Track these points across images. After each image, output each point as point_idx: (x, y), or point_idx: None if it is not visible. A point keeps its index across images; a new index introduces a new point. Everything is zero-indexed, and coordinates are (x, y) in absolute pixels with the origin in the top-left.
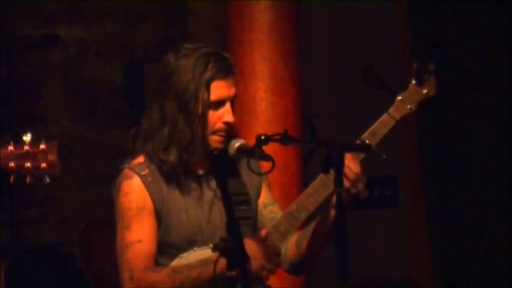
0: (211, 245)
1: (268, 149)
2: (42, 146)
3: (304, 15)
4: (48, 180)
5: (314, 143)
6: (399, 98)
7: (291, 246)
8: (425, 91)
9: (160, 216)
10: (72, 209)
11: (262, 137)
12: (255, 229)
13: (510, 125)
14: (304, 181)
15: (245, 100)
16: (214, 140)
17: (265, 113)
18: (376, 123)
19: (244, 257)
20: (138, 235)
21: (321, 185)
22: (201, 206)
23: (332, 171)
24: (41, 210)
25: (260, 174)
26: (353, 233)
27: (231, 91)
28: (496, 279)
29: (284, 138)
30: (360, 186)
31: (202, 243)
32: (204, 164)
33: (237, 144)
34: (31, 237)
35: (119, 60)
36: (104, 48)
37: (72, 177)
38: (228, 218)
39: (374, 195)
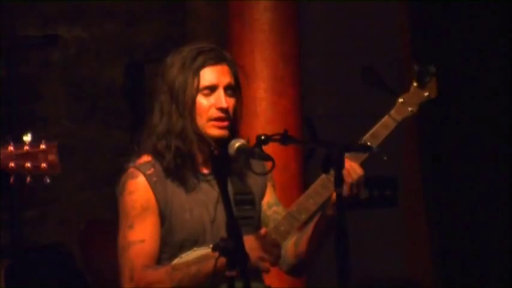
0: (211, 245)
1: (268, 149)
2: (43, 146)
3: (304, 15)
4: (48, 180)
5: (314, 143)
6: (400, 100)
7: (291, 246)
8: (426, 93)
9: (164, 216)
10: (72, 209)
11: (262, 137)
12: (257, 229)
13: (510, 125)
14: (304, 181)
15: (245, 100)
16: (211, 127)
17: (265, 113)
18: (377, 125)
19: (244, 257)
20: (141, 235)
21: (322, 187)
22: (206, 206)
23: (332, 172)
24: (41, 210)
25: (259, 174)
26: (353, 233)
27: (224, 78)
28: (496, 279)
29: (284, 138)
30: (360, 186)
31: (205, 243)
32: (209, 164)
33: (237, 144)
34: (31, 237)
35: (119, 60)
36: (104, 48)
37: (72, 177)
38: (228, 218)
39: (374, 195)
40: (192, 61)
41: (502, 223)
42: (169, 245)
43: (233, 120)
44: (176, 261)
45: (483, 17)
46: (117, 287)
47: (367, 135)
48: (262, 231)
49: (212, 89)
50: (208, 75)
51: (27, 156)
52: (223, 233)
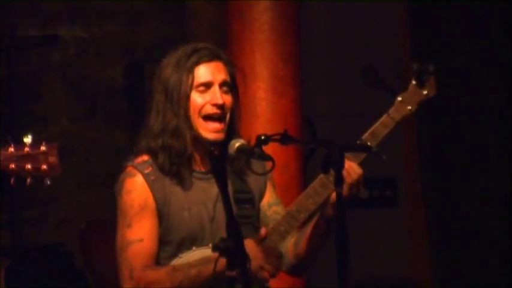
0: (211, 245)
1: (268, 149)
2: (43, 148)
3: (304, 15)
4: (48, 182)
5: (314, 143)
6: (399, 99)
7: (290, 246)
8: (425, 92)
9: (162, 215)
10: (72, 209)
11: (262, 137)
12: (256, 228)
13: (510, 125)
14: (304, 181)
15: (245, 100)
16: (206, 131)
17: (265, 113)
18: (376, 124)
19: (244, 257)
20: (140, 234)
21: (321, 186)
22: (205, 204)
23: (332, 172)
24: (41, 210)
25: (259, 174)
26: (353, 233)
27: (219, 75)
28: (496, 279)
29: (284, 138)
30: (360, 186)
31: (203, 242)
32: (207, 162)
33: (237, 144)
34: (31, 237)
35: (119, 60)
36: (104, 48)
37: (72, 177)
38: (228, 218)
39: (374, 195)
40: (187, 59)
41: (502, 223)
42: (168, 243)
43: (230, 119)
44: (176, 261)
45: (483, 17)
46: (117, 287)
47: (366, 134)
48: (262, 231)
49: (207, 85)
50: (203, 72)
51: (27, 157)
52: (222, 231)
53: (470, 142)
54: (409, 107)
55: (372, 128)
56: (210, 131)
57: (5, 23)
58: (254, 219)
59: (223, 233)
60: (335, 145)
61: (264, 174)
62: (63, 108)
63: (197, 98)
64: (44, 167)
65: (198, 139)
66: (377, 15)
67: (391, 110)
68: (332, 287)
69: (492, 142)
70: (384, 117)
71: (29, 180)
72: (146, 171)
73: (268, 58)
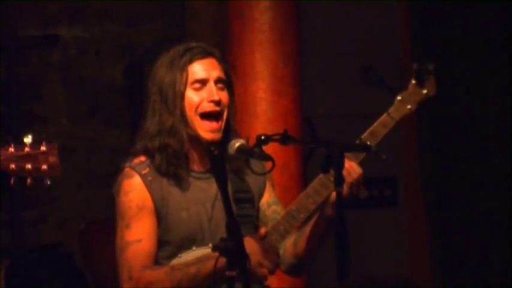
0: (210, 245)
1: (268, 149)
2: (43, 148)
3: (304, 15)
4: (48, 182)
5: (314, 143)
6: (399, 98)
7: (289, 246)
8: (425, 91)
9: (160, 215)
10: (72, 209)
11: (262, 137)
12: (256, 228)
13: (510, 125)
14: (304, 181)
15: (245, 100)
16: (202, 129)
17: (265, 113)
18: (375, 124)
19: (244, 256)
20: (138, 234)
21: (321, 186)
22: (204, 204)
23: (332, 171)
24: (41, 210)
25: (259, 174)
26: (353, 233)
27: (214, 72)
28: (496, 279)
29: (284, 138)
30: (360, 186)
31: (203, 242)
32: (207, 161)
33: (237, 144)
34: (31, 237)
35: (119, 60)
36: (104, 48)
37: (72, 177)
38: (228, 218)
39: (374, 195)
40: (180, 58)
41: (502, 223)
42: (167, 244)
43: (227, 117)
44: (175, 261)
45: (483, 17)
46: (117, 287)
47: (366, 134)
48: (262, 230)
49: (202, 82)
50: (197, 69)
51: (27, 157)
52: (221, 230)
53: (471, 142)
54: (409, 106)
55: (372, 128)
56: (207, 130)
57: (5, 23)
58: (253, 219)
59: (222, 233)
60: (335, 145)
61: (264, 174)
62: (63, 108)
63: (193, 96)
64: (44, 167)
65: (195, 138)
66: (377, 15)
67: (391, 110)
68: (332, 286)
69: (492, 142)
70: (384, 117)
71: (29, 180)
72: (144, 172)
73: (268, 58)
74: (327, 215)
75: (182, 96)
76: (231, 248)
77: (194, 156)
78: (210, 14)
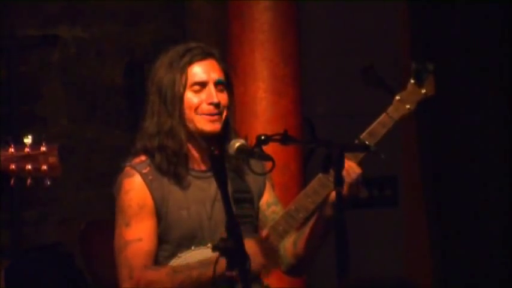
0: (209, 245)
1: (268, 149)
2: (43, 148)
3: (304, 15)
4: (48, 182)
5: (314, 143)
6: (398, 98)
7: (289, 246)
8: (424, 91)
9: (160, 214)
10: (72, 209)
11: (262, 137)
12: (255, 228)
13: (510, 124)
14: (304, 181)
15: (245, 100)
16: (202, 122)
17: (265, 113)
18: (374, 124)
19: (244, 257)
20: (138, 233)
21: (320, 186)
22: (203, 203)
23: (331, 171)
24: (41, 210)
25: (259, 174)
26: (353, 233)
27: (213, 74)
28: (496, 279)
29: (284, 138)
30: (359, 186)
31: (202, 241)
32: (207, 160)
33: (237, 144)
34: (31, 237)
35: (119, 60)
36: (104, 48)
37: (72, 177)
38: (228, 218)
39: (374, 195)
40: (179, 59)
41: (502, 223)
42: (167, 243)
43: (226, 116)
44: (175, 260)
45: (483, 17)
46: (117, 287)
47: (365, 134)
48: (264, 233)
49: (202, 85)
50: (197, 71)
51: (27, 158)
52: (220, 229)
53: (471, 142)
54: (408, 106)
55: (371, 128)
56: (207, 121)
57: (5, 23)
58: (253, 219)
59: (221, 232)
60: (335, 145)
61: (264, 174)
62: (63, 108)
63: (192, 98)
64: (44, 167)
65: (195, 137)
66: (377, 15)
67: (390, 109)
68: (332, 287)
69: (492, 142)
70: (383, 117)
71: (29, 180)
72: (144, 171)
73: (268, 58)
74: (326, 215)
75: (181, 98)
76: (231, 248)
77: (194, 155)
78: (210, 14)
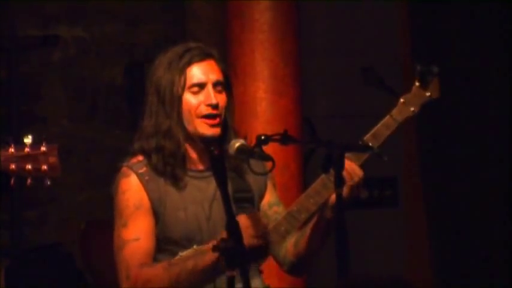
0: (210, 244)
1: (268, 149)
2: (43, 148)
3: (304, 15)
4: (48, 182)
5: (314, 143)
6: (402, 100)
7: (290, 246)
8: (428, 94)
9: (157, 214)
10: (72, 209)
11: (262, 137)
12: None
13: (510, 125)
14: (305, 181)
15: (245, 100)
16: (202, 126)
17: (265, 113)
18: (378, 126)
19: (245, 257)
20: (136, 233)
21: (322, 186)
22: (201, 204)
23: (333, 171)
24: (41, 210)
25: (259, 173)
26: (353, 233)
27: (212, 75)
28: (496, 279)
29: (284, 138)
30: (360, 188)
31: (201, 241)
32: (204, 160)
33: (237, 144)
34: (31, 237)
35: (119, 60)
36: (104, 48)
37: (72, 177)
38: (228, 218)
39: (374, 195)
40: (178, 60)
41: (502, 223)
42: (165, 243)
43: (225, 117)
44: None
45: (483, 17)
46: (117, 287)
47: (368, 135)
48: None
49: (201, 86)
50: (195, 72)
51: (27, 158)
52: (219, 230)
53: (471, 142)
54: (412, 109)
55: (374, 129)
56: (207, 125)
57: (5, 23)
58: None
59: (220, 232)
60: (335, 145)
61: (264, 174)
62: (63, 108)
63: (191, 99)
64: (44, 167)
65: (193, 138)
66: (377, 15)
67: (394, 111)
68: (332, 287)
69: (492, 142)
70: (386, 119)
71: (29, 180)
72: (140, 171)
73: (268, 58)
74: (326, 217)
75: (180, 99)
76: (231, 248)
77: (192, 155)
78: (210, 14)
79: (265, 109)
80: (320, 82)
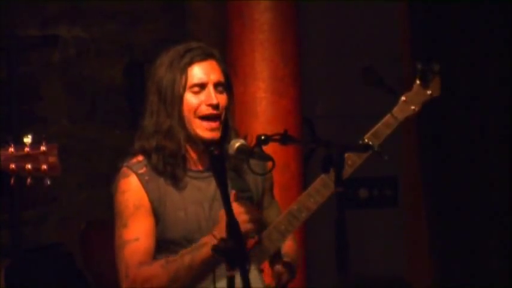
0: (205, 238)
1: (268, 149)
2: (43, 148)
3: (304, 15)
4: (48, 182)
5: (314, 143)
6: (403, 98)
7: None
8: (429, 92)
9: (157, 215)
10: (72, 209)
11: (262, 137)
12: None
13: (510, 125)
14: (304, 181)
15: (245, 100)
16: (202, 129)
17: (265, 113)
18: (379, 124)
19: (245, 257)
20: (135, 233)
21: (322, 186)
22: (201, 204)
23: (333, 171)
24: (41, 210)
25: (259, 174)
26: (353, 233)
27: (213, 75)
28: (496, 279)
29: (284, 138)
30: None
31: None
32: (204, 160)
33: (237, 144)
34: (31, 237)
35: (119, 60)
36: (104, 48)
37: (72, 177)
38: (228, 218)
39: (374, 195)
40: (180, 59)
41: (502, 222)
42: (165, 243)
43: (225, 118)
44: None
45: (483, 17)
46: (117, 287)
47: (369, 134)
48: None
49: (201, 86)
50: (197, 72)
51: (27, 157)
52: None
53: (471, 142)
54: (413, 107)
55: (375, 128)
56: (207, 129)
57: (5, 23)
58: None
59: (218, 221)
60: (336, 145)
61: (264, 174)
62: (63, 108)
63: (191, 99)
64: (44, 167)
65: (193, 138)
66: (377, 15)
67: (395, 110)
68: (332, 285)
69: (492, 142)
70: (387, 117)
71: (29, 180)
72: (140, 171)
73: (268, 58)
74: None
75: (181, 98)
76: (231, 248)
77: (192, 155)
78: (210, 14)
79: (265, 109)
80: (320, 82)
